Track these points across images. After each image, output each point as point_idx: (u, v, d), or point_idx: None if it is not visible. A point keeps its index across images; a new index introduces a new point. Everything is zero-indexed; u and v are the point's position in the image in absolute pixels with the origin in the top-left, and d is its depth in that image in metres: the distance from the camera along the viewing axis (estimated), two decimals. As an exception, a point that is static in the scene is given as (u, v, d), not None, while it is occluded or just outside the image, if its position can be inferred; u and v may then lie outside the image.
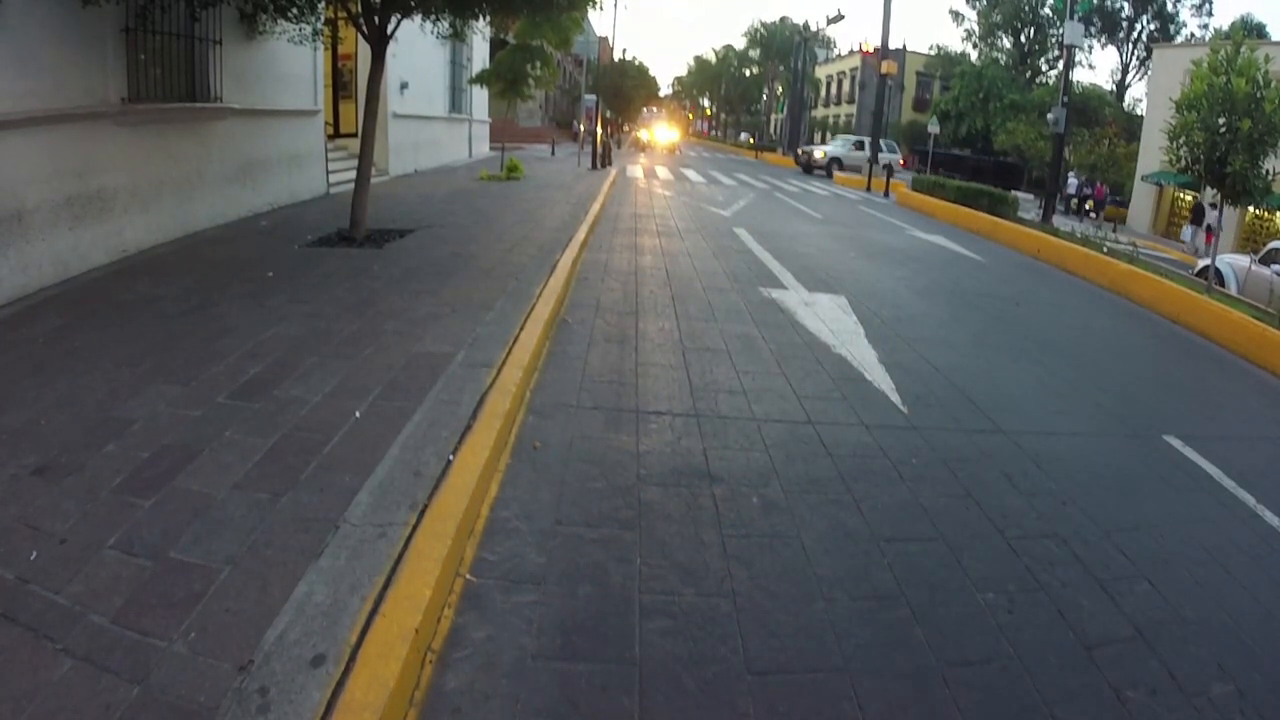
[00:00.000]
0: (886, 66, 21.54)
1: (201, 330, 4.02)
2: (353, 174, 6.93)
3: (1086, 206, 25.07)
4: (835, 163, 24.94)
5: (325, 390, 3.29)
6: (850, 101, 47.21)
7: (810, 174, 24.71)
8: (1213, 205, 21.55)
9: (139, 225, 5.86)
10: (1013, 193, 15.47)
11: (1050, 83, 34.31)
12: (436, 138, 14.89)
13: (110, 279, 5.11)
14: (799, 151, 28.26)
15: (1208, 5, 35.45)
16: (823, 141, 39.91)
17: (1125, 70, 36.45)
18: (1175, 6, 34.89)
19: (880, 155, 23.28)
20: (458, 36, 8.92)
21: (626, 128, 40.78)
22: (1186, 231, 22.16)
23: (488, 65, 15.42)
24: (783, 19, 51.81)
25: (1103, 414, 4.39)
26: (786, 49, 45.78)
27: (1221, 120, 8.03)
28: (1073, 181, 26.54)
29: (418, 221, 7.85)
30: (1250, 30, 23.79)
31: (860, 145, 25.90)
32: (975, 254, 9.98)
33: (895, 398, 4.08)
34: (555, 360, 4.18)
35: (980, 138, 34.56)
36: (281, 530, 2.25)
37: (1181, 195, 22.85)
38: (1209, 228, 21.51)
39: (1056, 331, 6.44)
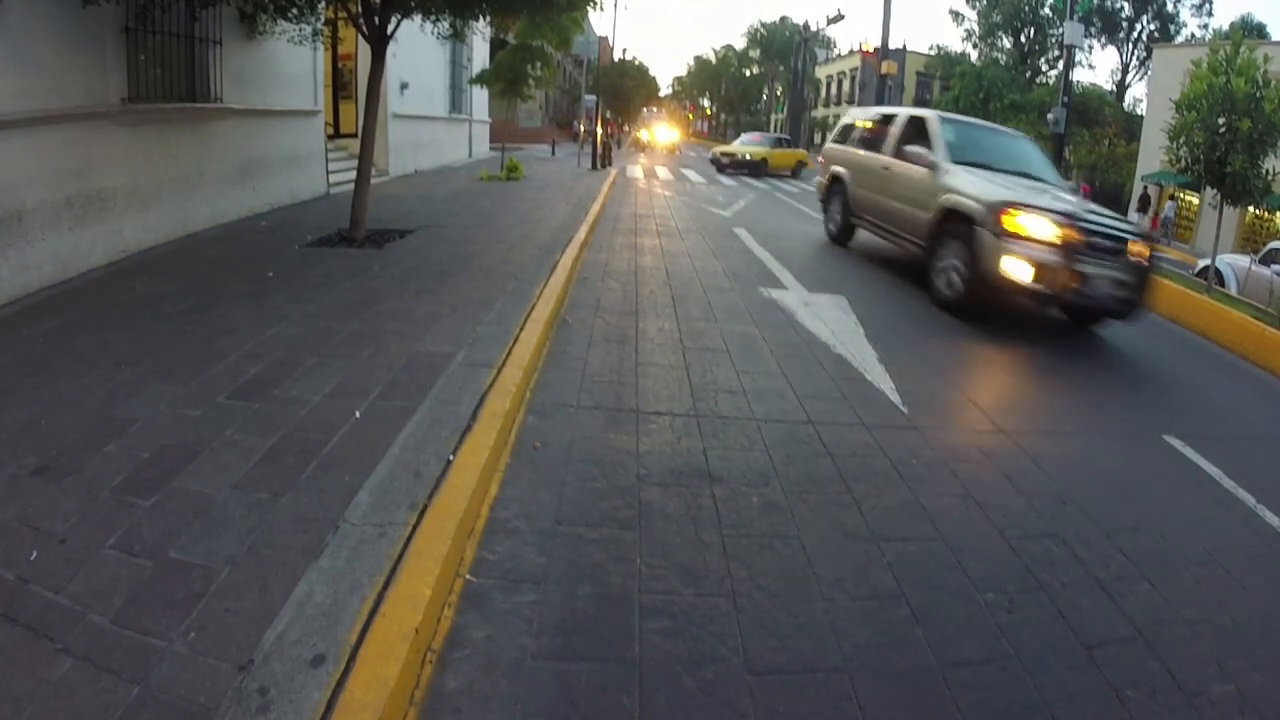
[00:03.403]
0: (886, 67, 21.58)
1: (201, 330, 4.02)
2: (353, 174, 6.93)
3: None
4: (764, 163, 22.77)
5: (325, 390, 3.29)
6: (850, 102, 47.20)
7: (723, 173, 22.25)
8: (1172, 198, 22.14)
9: (139, 225, 5.86)
10: None
11: (1050, 83, 34.28)
12: (436, 138, 14.90)
13: (110, 279, 5.11)
14: (718, 154, 23.95)
15: (1208, 5, 35.56)
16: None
17: (1125, 70, 36.53)
18: (1175, 6, 35.00)
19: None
20: (458, 36, 8.92)
21: (626, 128, 40.76)
22: (1134, 218, 22.71)
23: (488, 65, 15.43)
24: (783, 19, 52.01)
25: (1103, 414, 4.39)
26: (786, 49, 45.90)
27: (1221, 120, 8.04)
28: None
29: (418, 222, 7.85)
30: (1250, 30, 23.85)
31: (781, 143, 24.73)
32: (975, 254, 9.95)
33: (895, 397, 4.08)
34: (555, 360, 4.18)
35: (980, 138, 34.48)
36: (281, 530, 2.25)
37: (1182, 195, 22.91)
38: (1154, 214, 22.04)
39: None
